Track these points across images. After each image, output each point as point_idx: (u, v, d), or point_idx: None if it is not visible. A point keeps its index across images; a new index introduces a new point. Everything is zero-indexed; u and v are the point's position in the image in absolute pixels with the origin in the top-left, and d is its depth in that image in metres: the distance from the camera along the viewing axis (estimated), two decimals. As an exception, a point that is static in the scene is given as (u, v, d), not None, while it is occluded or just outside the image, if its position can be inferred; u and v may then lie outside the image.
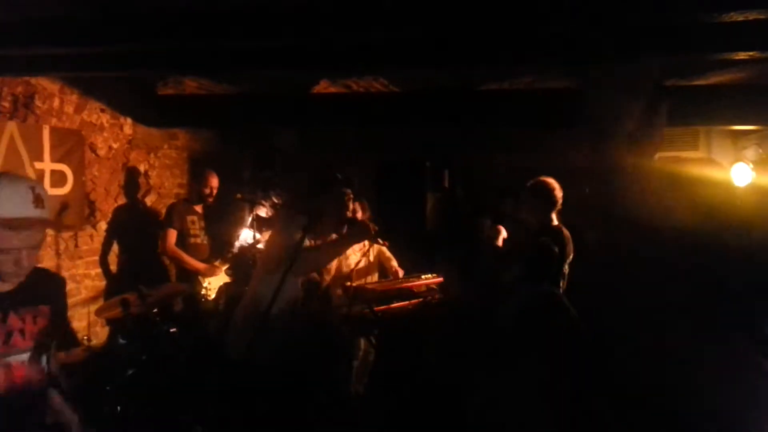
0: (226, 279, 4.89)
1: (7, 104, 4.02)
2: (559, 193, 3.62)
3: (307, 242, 2.79)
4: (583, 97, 4.29)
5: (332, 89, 5.06)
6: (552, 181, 3.66)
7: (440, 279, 4.51)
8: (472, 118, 4.98)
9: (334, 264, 4.53)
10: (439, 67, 3.95)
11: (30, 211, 1.70)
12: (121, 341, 3.20)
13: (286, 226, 2.94)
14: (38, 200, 1.73)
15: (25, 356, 1.77)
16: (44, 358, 1.83)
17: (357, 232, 2.96)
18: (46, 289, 1.88)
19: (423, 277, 4.54)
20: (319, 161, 5.70)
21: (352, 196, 3.02)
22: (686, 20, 2.75)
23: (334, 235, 3.03)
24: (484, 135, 6.21)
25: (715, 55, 2.95)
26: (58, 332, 1.91)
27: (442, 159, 6.14)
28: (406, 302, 4.21)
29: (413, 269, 4.71)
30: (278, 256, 2.81)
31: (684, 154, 5.59)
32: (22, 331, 1.75)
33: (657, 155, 5.77)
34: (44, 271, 2.01)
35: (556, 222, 3.62)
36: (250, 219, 5.28)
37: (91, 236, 4.85)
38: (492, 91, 4.85)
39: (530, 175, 3.76)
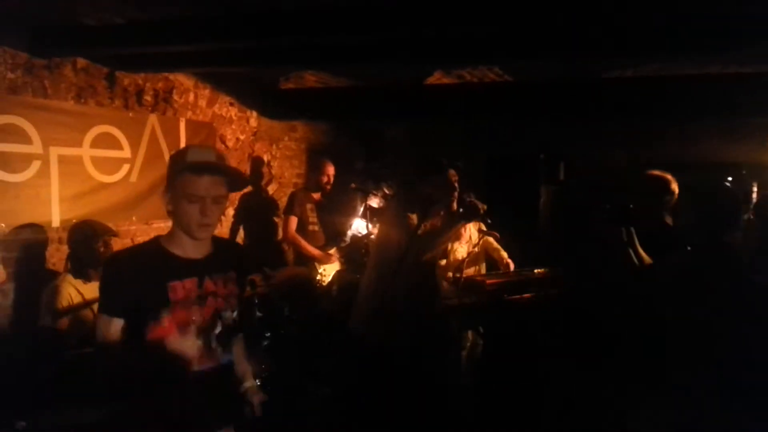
0: (340, 266, 5.06)
1: (149, 98, 4.42)
2: (674, 186, 3.36)
3: (420, 228, 2.85)
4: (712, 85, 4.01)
5: (446, 80, 5.07)
6: (667, 175, 3.41)
7: (554, 273, 4.39)
8: (592, 108, 4.78)
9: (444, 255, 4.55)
10: (552, 57, 3.83)
11: (211, 159, 1.87)
12: (258, 314, 3.43)
13: (397, 214, 3.01)
14: (219, 157, 1.92)
15: (219, 315, 1.95)
16: (231, 318, 2.00)
17: (466, 212, 3.00)
18: (231, 257, 2.07)
19: (536, 271, 4.46)
20: (429, 152, 5.74)
21: (457, 177, 3.04)
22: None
23: (444, 218, 3.07)
24: (602, 127, 5.96)
25: None
26: (242, 294, 2.10)
27: (557, 152, 5.98)
28: (518, 296, 4.17)
29: (525, 263, 4.64)
30: (392, 243, 2.89)
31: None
32: (215, 294, 1.94)
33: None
34: (227, 242, 2.23)
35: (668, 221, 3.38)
36: (362, 209, 5.42)
37: (220, 221, 5.21)
38: (613, 79, 4.63)
39: (649, 169, 3.54)
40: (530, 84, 4.85)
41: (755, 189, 5.31)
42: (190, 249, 1.92)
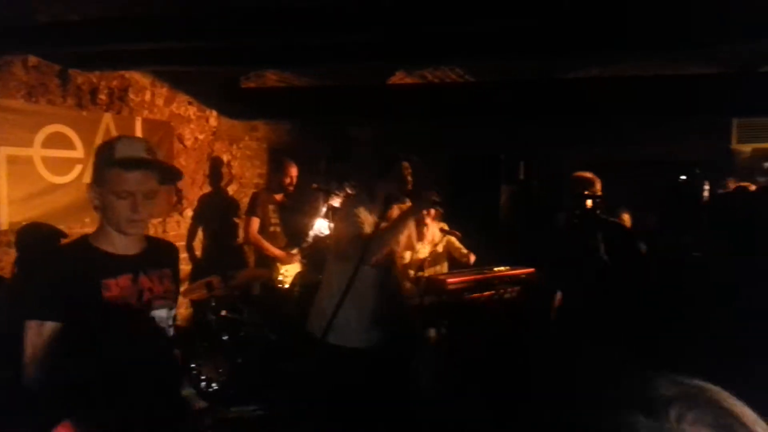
0: (301, 267, 5.03)
1: (103, 97, 4.31)
2: (598, 186, 3.48)
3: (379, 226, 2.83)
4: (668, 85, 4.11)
5: (408, 80, 5.09)
6: (589, 175, 3.52)
7: (516, 271, 4.45)
8: (550, 108, 4.86)
9: (406, 254, 4.56)
10: (515, 57, 3.87)
11: (142, 154, 1.80)
12: (211, 317, 3.37)
13: (351, 212, 2.98)
14: (150, 151, 1.84)
15: (155, 313, 1.89)
16: (170, 317, 1.96)
17: (418, 203, 2.96)
18: (166, 256, 2.03)
19: (496, 269, 4.50)
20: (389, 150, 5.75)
21: (411, 170, 3.00)
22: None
23: (397, 211, 3.04)
24: (561, 127, 6.06)
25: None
26: (177, 296, 2.05)
27: (517, 151, 6.06)
28: (478, 294, 4.20)
29: (486, 262, 4.67)
30: (347, 242, 2.87)
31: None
32: (151, 290, 1.88)
33: (752, 147, 5.47)
34: (162, 240, 2.18)
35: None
36: (324, 209, 5.40)
37: (178, 222, 5.12)
38: (571, 80, 4.72)
39: (608, 167, 3.63)
40: (491, 84, 4.90)
41: (707, 187, 5.47)
42: (122, 245, 1.86)
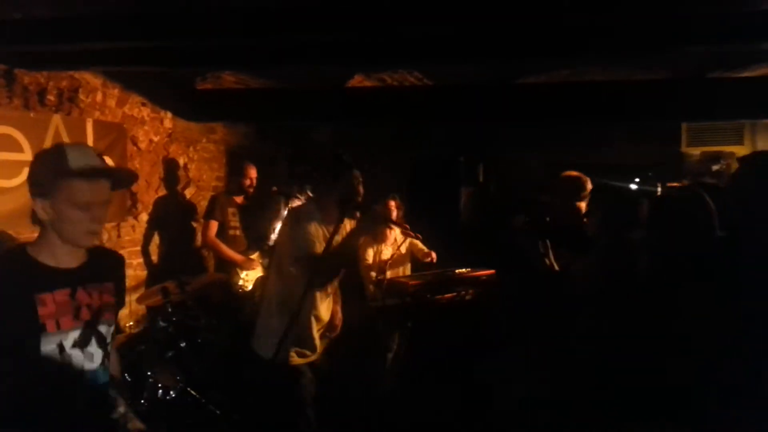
0: (262, 272, 4.96)
1: (52, 98, 4.15)
2: (589, 186, 3.52)
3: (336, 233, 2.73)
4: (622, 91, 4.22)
5: (367, 83, 5.08)
6: (581, 175, 3.57)
7: (476, 273, 4.49)
8: (507, 112, 4.92)
9: (369, 255, 4.55)
10: (471, 61, 3.89)
11: (97, 162, 1.76)
12: (161, 324, 3.28)
13: (296, 221, 2.88)
14: (101, 157, 1.81)
15: (91, 330, 1.81)
16: (109, 333, 1.88)
17: (369, 220, 2.85)
18: (108, 267, 1.94)
19: (457, 271, 4.53)
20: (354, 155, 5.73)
21: (361, 179, 2.88)
22: (730, 8, 2.67)
23: (343, 222, 2.87)
24: (519, 130, 6.15)
25: (762, 44, 2.86)
26: (120, 309, 1.97)
27: (476, 154, 6.12)
28: (440, 296, 4.22)
29: (447, 264, 4.70)
30: (294, 260, 2.75)
31: (728, 149, 5.44)
32: (89, 306, 1.80)
33: (701, 150, 5.66)
34: (105, 249, 2.07)
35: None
36: (285, 212, 5.34)
37: (133, 227, 4.98)
38: (528, 85, 4.79)
39: (564, 170, 3.68)
40: (449, 88, 4.93)
41: (659, 190, 5.62)
42: (63, 258, 1.78)
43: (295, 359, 2.87)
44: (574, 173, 3.51)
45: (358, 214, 2.83)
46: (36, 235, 1.81)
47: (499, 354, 3.52)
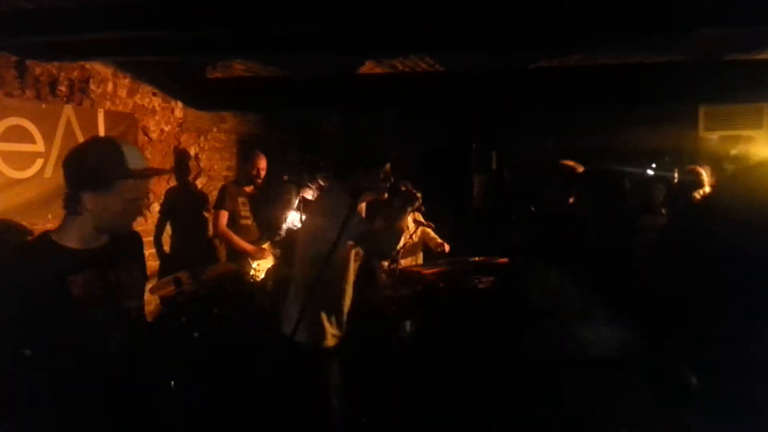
0: (274, 261, 4.95)
1: (63, 89, 4.15)
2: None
3: (358, 220, 2.80)
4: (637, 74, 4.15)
5: (378, 70, 5.03)
6: (574, 164, 3.54)
7: (490, 261, 4.45)
8: (521, 98, 4.86)
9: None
10: (482, 48, 3.84)
11: (146, 163, 1.90)
12: (174, 314, 3.28)
13: (328, 207, 2.92)
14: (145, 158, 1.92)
15: (124, 306, 1.88)
16: (140, 309, 1.96)
17: (403, 201, 2.98)
18: (131, 245, 2.02)
19: (471, 260, 4.50)
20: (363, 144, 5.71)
21: (390, 167, 2.99)
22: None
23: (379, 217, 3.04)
24: (532, 116, 6.08)
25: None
26: (145, 286, 2.06)
27: (489, 141, 6.06)
28: (455, 285, 4.19)
29: (460, 252, 4.67)
30: (326, 235, 2.80)
31: (746, 133, 5.34)
32: (119, 284, 1.86)
33: (718, 134, 5.56)
34: None
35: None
36: (297, 201, 5.33)
37: (145, 217, 4.99)
38: (541, 69, 4.71)
39: (578, 157, 3.64)
40: (462, 74, 4.87)
41: (676, 175, 5.54)
42: (90, 241, 1.83)
43: (330, 340, 2.92)
44: (570, 162, 3.50)
45: (385, 195, 3.01)
46: (57, 222, 1.86)
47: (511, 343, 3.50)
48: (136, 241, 2.09)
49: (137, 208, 1.87)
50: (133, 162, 1.81)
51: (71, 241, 1.80)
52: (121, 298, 1.87)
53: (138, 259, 2.03)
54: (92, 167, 1.78)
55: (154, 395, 2.00)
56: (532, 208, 3.35)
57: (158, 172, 2.01)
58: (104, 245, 1.87)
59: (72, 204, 1.80)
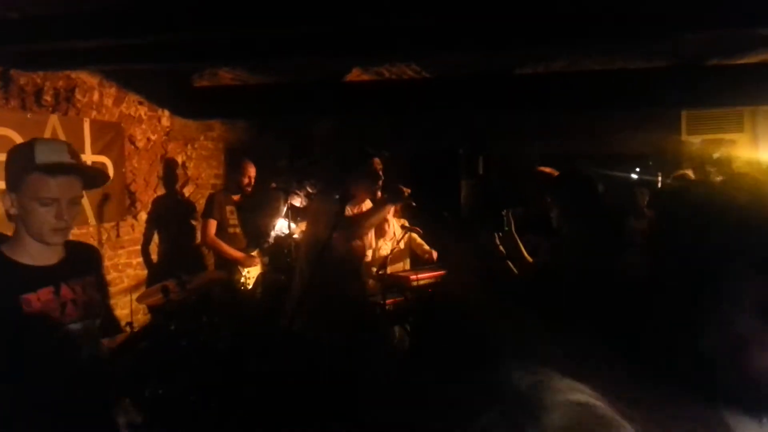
0: (263, 268, 4.95)
1: (49, 98, 4.14)
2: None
3: (348, 212, 2.88)
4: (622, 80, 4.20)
5: (365, 77, 5.05)
6: (549, 170, 3.58)
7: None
8: (507, 104, 4.89)
9: (368, 252, 4.53)
10: (467, 52, 3.87)
11: (66, 158, 1.72)
12: (162, 322, 3.27)
13: (321, 209, 3.00)
14: (73, 154, 1.75)
15: (80, 325, 1.79)
16: (96, 327, 1.86)
17: (391, 195, 3.09)
18: (86, 261, 1.92)
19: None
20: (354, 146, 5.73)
21: (381, 166, 3.10)
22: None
23: (370, 204, 3.11)
24: (519, 121, 6.12)
25: (759, 30, 2.84)
26: (105, 303, 1.95)
27: (476, 147, 6.09)
28: (442, 290, 4.19)
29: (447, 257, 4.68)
30: (320, 238, 2.86)
31: (728, 136, 5.42)
32: (74, 301, 1.78)
33: (700, 138, 5.63)
34: (81, 244, 2.05)
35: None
36: (285, 209, 5.32)
37: (132, 226, 4.97)
38: (526, 75, 4.76)
39: (565, 162, 3.68)
40: (448, 80, 4.90)
41: (660, 179, 5.60)
42: (41, 255, 1.75)
43: (324, 337, 3.01)
44: (546, 168, 3.55)
45: (379, 194, 3.15)
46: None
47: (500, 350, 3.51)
48: (92, 255, 2.00)
49: (61, 212, 1.68)
50: (43, 156, 1.66)
51: (22, 255, 1.72)
52: (77, 316, 1.78)
53: (94, 276, 1.91)
54: (7, 165, 1.71)
55: (113, 413, 1.87)
56: (511, 214, 3.39)
57: (74, 168, 1.72)
58: (59, 261, 1.79)
59: (7, 212, 1.73)
